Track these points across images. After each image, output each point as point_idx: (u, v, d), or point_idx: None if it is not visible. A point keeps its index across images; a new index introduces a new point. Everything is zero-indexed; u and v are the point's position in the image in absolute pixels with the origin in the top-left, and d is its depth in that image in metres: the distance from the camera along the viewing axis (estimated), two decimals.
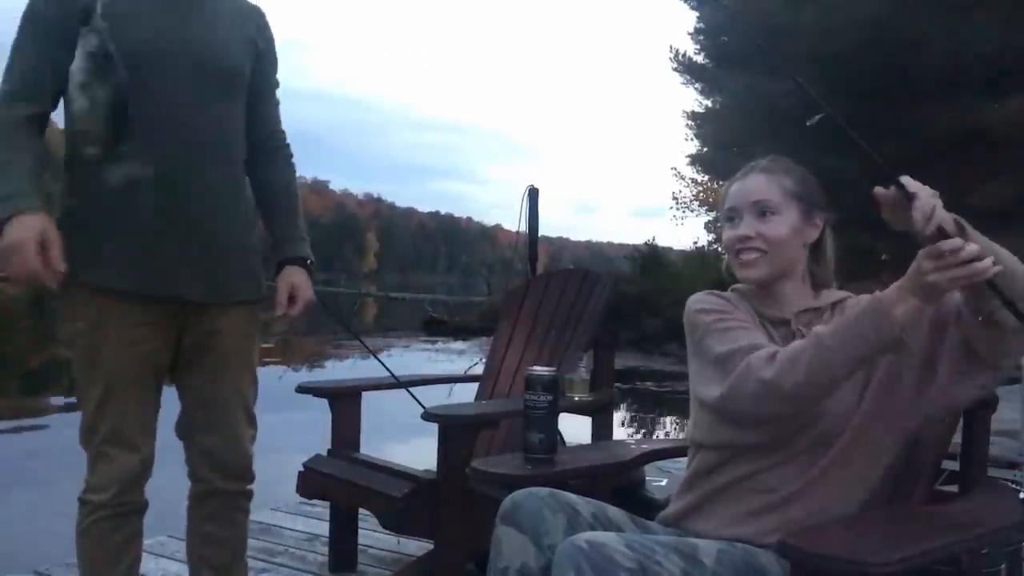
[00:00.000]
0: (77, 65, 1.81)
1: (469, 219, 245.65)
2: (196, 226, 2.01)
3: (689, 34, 22.05)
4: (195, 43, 2.01)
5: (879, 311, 1.48)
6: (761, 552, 1.55)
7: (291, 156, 2.31)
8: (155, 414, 2.08)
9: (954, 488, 1.85)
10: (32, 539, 4.30)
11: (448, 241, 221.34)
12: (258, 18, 2.20)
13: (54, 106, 1.98)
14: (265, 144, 2.24)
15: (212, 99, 2.03)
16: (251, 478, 2.22)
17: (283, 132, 2.30)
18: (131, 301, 1.97)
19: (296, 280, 2.20)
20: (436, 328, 22.68)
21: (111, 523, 2.00)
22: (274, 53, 2.24)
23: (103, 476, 1.99)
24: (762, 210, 1.72)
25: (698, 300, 1.79)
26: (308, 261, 2.24)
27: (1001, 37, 14.93)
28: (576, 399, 2.97)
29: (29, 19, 1.96)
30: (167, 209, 1.97)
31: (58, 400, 11.12)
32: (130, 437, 2.00)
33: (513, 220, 4.07)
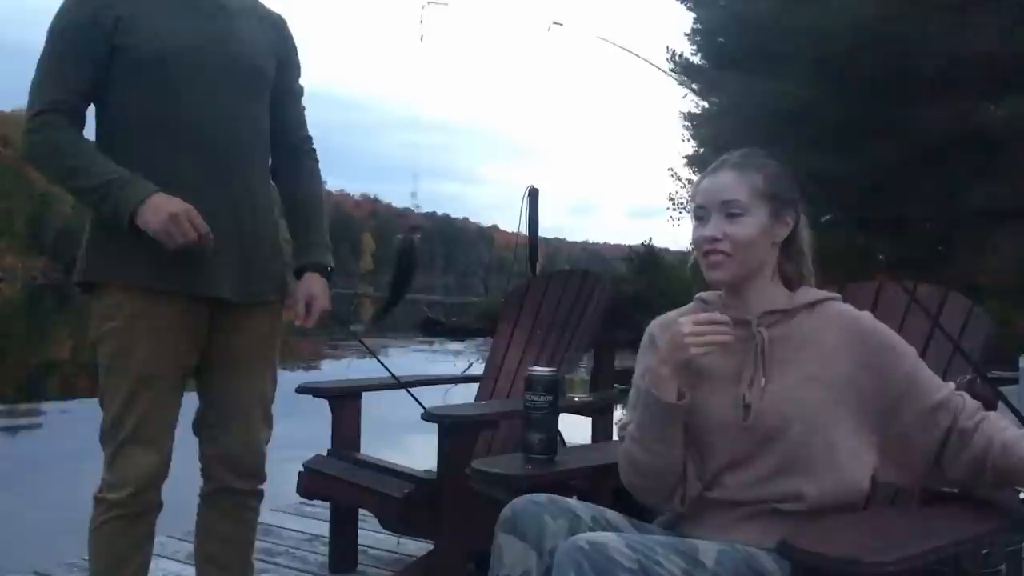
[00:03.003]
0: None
1: (466, 220, 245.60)
2: (231, 225, 2.04)
3: (686, 35, 22.14)
4: (226, 45, 2.05)
5: (648, 395, 1.65)
6: (761, 554, 1.54)
7: (317, 161, 2.33)
8: (177, 414, 2.09)
9: (956, 489, 1.85)
10: (32, 538, 4.30)
11: (445, 242, 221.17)
12: (281, 26, 2.24)
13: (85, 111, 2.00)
14: (294, 147, 2.27)
15: (244, 100, 2.08)
16: (263, 478, 2.23)
17: (310, 137, 2.32)
18: (166, 301, 1.99)
19: (314, 290, 2.21)
20: (433, 329, 22.68)
21: (125, 522, 2.01)
22: (297, 59, 2.28)
23: (121, 475, 1.99)
24: (730, 210, 1.67)
25: (641, 346, 1.84)
26: (328, 269, 2.25)
27: (999, 38, 14.95)
28: (576, 399, 2.97)
29: (60, 29, 1.98)
30: (202, 208, 1.98)
31: (54, 401, 11.12)
32: (152, 437, 2.01)
33: (510, 221, 4.08)
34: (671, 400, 1.63)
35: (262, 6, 2.22)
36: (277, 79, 2.19)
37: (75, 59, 1.96)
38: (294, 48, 2.27)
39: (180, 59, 1.98)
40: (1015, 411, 1.55)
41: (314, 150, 2.32)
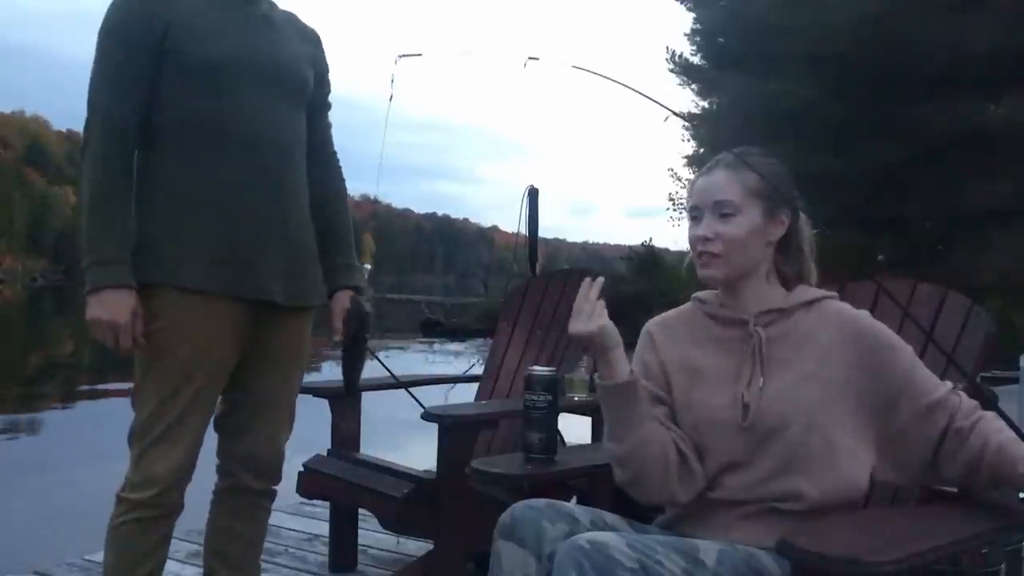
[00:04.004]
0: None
1: (466, 220, 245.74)
2: (280, 228, 2.07)
3: (686, 35, 22.17)
4: (272, 55, 2.09)
5: (598, 386, 1.69)
6: (762, 553, 1.54)
7: (343, 179, 2.35)
8: (210, 417, 2.10)
9: (954, 488, 1.85)
10: (32, 537, 4.30)
11: (445, 242, 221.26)
12: (317, 42, 2.28)
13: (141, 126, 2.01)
14: (325, 162, 2.29)
15: (288, 108, 2.11)
16: (279, 478, 2.25)
17: (336, 152, 2.35)
18: (214, 303, 1.99)
19: (348, 305, 2.24)
20: (433, 329, 22.68)
21: (146, 523, 2.00)
22: (328, 76, 2.30)
23: (148, 475, 1.99)
24: (723, 210, 1.67)
25: (638, 344, 1.83)
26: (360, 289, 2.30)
27: (1000, 37, 14.96)
28: (576, 399, 2.97)
29: (112, 37, 1.99)
30: (251, 212, 2.02)
31: (54, 403, 11.13)
32: (183, 438, 2.00)
33: (510, 221, 4.06)
34: (612, 381, 1.64)
35: (299, 20, 2.25)
36: (314, 92, 2.22)
37: (134, 69, 1.97)
38: (327, 65, 2.30)
39: (229, 66, 2.00)
40: (1011, 423, 1.54)
41: (340, 167, 2.35)
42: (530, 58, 1.69)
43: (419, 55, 2.02)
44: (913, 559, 1.30)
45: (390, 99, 2.10)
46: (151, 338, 1.98)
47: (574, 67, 1.75)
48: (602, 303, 1.63)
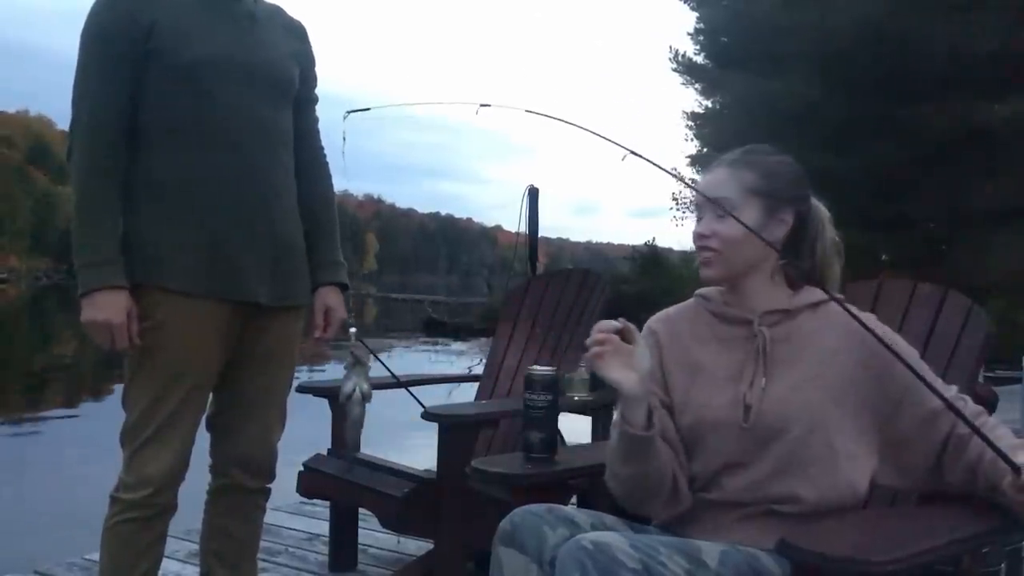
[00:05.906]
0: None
1: (469, 220, 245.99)
2: (264, 228, 2.06)
3: (689, 34, 22.18)
4: (255, 53, 2.08)
5: (619, 420, 1.62)
6: (763, 555, 1.54)
7: (331, 175, 2.34)
8: (201, 417, 2.10)
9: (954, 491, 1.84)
10: (33, 538, 4.31)
11: (448, 242, 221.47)
12: (303, 36, 2.27)
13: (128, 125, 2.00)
14: (311, 157, 2.29)
15: (272, 107, 2.11)
16: (273, 477, 2.25)
17: (323, 148, 2.34)
18: (199, 304, 1.99)
19: (331, 302, 2.26)
20: (436, 329, 22.69)
21: (140, 523, 2.00)
22: (314, 70, 2.30)
23: (140, 475, 1.99)
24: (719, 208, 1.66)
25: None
26: (345, 287, 2.30)
27: (1001, 37, 14.94)
28: (576, 399, 2.96)
29: (95, 39, 1.99)
30: (236, 213, 2.02)
31: (57, 402, 11.15)
32: (174, 438, 2.00)
33: (513, 220, 4.04)
34: (629, 430, 1.59)
35: (286, 14, 2.24)
36: (299, 88, 2.21)
37: (118, 70, 1.97)
38: (313, 58, 2.29)
39: (212, 66, 2.00)
40: (987, 440, 1.52)
41: (327, 163, 2.35)
42: (482, 105, 1.70)
43: (367, 109, 2.06)
44: (913, 559, 1.30)
45: (343, 154, 2.13)
46: (140, 338, 1.98)
47: (527, 111, 1.76)
48: (632, 347, 1.58)
